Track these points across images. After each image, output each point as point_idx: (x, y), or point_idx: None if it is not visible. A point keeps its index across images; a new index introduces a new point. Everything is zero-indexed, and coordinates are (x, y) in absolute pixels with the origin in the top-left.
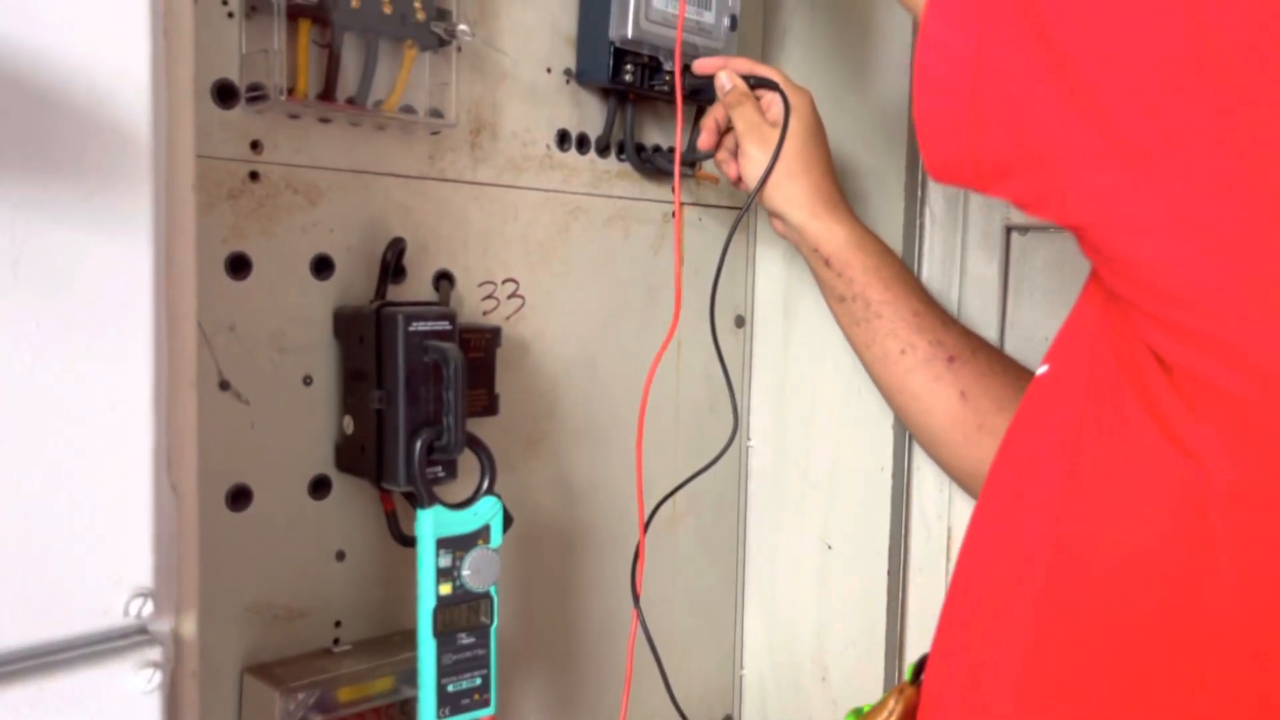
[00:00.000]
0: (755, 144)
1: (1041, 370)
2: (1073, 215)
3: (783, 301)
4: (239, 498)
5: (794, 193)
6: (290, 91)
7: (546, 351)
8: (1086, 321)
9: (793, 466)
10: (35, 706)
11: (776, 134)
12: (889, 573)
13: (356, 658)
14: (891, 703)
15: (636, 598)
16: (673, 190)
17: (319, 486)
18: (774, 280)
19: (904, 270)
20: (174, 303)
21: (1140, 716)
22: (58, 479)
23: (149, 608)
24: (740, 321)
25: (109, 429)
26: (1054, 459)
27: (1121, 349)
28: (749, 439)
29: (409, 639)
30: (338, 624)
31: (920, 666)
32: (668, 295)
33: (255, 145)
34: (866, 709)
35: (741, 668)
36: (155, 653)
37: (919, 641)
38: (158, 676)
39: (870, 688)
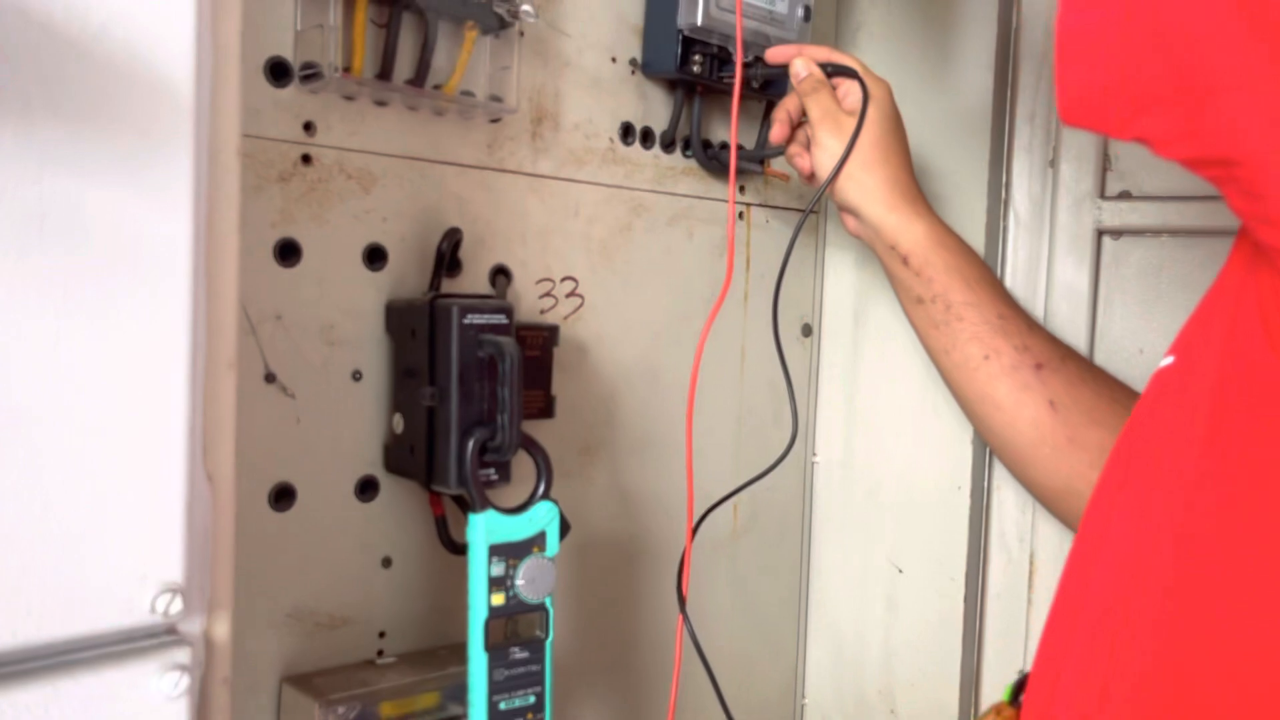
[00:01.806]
0: (830, 132)
1: (1166, 362)
2: (1235, 147)
3: (853, 309)
4: (282, 497)
5: (870, 185)
6: (346, 70)
7: (606, 355)
8: (1223, 303)
9: (861, 483)
10: (49, 710)
11: (853, 123)
12: (965, 599)
13: (401, 671)
14: None
15: (682, 601)
16: (733, 181)
17: (366, 488)
18: (844, 287)
19: (987, 271)
20: (214, 274)
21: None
22: (79, 460)
23: (178, 605)
24: (807, 330)
25: (138, 406)
26: (1185, 446)
27: (1270, 313)
28: (814, 454)
29: (456, 653)
30: (382, 634)
31: (1020, 686)
32: (733, 302)
33: (308, 127)
34: None
35: (804, 697)
36: (183, 654)
37: (998, 672)
38: (185, 680)
39: None
